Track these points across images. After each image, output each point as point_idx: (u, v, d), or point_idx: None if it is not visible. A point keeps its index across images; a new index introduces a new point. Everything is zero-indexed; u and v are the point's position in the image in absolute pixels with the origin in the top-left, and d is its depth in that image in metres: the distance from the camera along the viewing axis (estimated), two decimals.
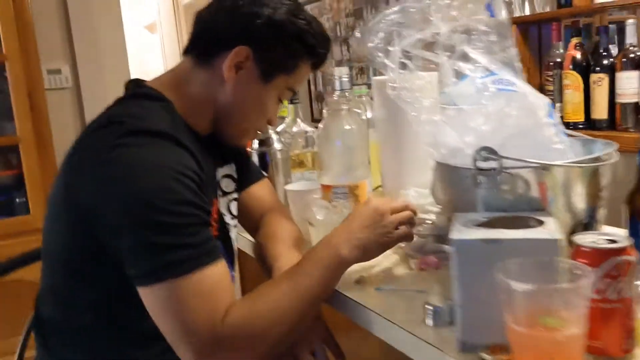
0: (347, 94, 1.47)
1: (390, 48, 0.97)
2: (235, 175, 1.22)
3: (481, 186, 0.85)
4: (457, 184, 0.89)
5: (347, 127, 1.19)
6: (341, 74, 1.47)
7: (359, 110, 1.30)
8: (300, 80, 1.10)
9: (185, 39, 1.11)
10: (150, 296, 0.86)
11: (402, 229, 1.01)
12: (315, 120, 3.42)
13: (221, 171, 1.18)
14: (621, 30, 2.00)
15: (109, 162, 0.87)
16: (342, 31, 3.29)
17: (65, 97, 3.31)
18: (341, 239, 0.95)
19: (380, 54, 0.98)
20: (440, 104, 0.98)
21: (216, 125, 1.09)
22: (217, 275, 0.87)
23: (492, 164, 0.82)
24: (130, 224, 0.85)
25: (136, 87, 1.06)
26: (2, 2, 2.79)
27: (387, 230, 0.98)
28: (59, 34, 3.27)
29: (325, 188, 1.21)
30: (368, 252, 0.98)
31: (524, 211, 0.84)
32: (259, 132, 1.16)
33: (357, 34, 0.99)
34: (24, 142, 2.88)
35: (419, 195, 1.22)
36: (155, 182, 0.85)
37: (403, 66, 0.97)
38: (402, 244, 1.14)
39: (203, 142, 1.06)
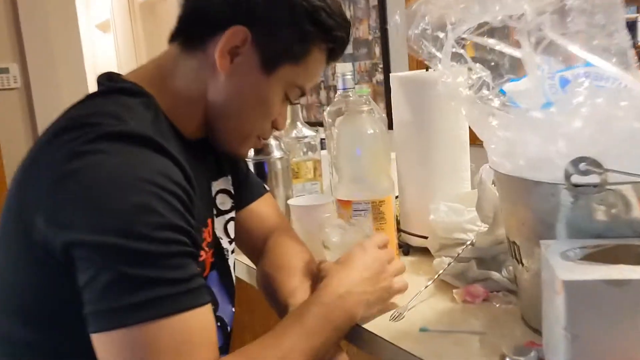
0: (350, 93, 1.29)
1: (441, 34, 0.78)
2: (232, 190, 1.02)
3: (573, 206, 0.68)
4: (537, 203, 0.71)
5: (370, 131, 1.00)
6: (345, 71, 1.29)
7: (377, 114, 1.11)
8: (312, 73, 0.89)
9: (141, 38, 0.89)
10: (106, 345, 0.65)
11: (399, 280, 0.91)
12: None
13: (216, 185, 0.97)
14: None
15: (71, 175, 0.67)
16: None
17: (13, 98, 3.02)
18: (354, 298, 0.82)
19: (427, 43, 0.80)
20: (495, 104, 0.80)
21: (209, 128, 0.89)
22: (199, 323, 0.68)
23: (593, 179, 0.65)
24: (97, 253, 0.65)
25: (110, 82, 0.84)
26: None
27: (388, 284, 0.88)
28: (7, 29, 2.97)
29: (344, 204, 1.02)
30: (372, 309, 0.87)
31: (625, 236, 0.67)
32: (262, 138, 0.94)
33: (397, 18, 0.80)
34: None
35: (452, 211, 1.05)
36: (130, 200, 0.66)
37: (457, 57, 0.79)
38: (440, 270, 0.97)
39: (193, 149, 0.87)
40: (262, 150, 1.21)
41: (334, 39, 0.87)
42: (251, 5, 0.81)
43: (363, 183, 1.01)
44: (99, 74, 0.86)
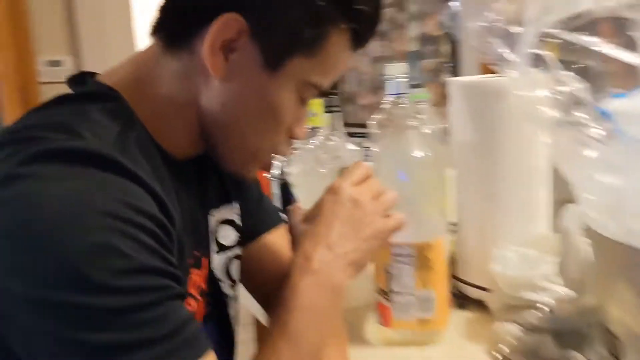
0: (401, 101, 1.06)
1: (516, 29, 0.55)
2: (238, 221, 0.81)
3: None
4: None
5: (420, 154, 0.77)
6: (398, 72, 1.06)
7: (429, 128, 0.88)
8: (332, 65, 0.66)
9: None
10: None
11: (393, 218, 0.73)
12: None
13: (217, 215, 0.77)
14: None
15: (1, 206, 0.51)
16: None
17: (66, 91, 2.95)
18: (329, 267, 0.68)
19: (495, 40, 0.56)
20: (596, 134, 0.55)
21: (208, 143, 0.69)
22: None
23: None
24: (43, 317, 0.49)
25: (77, 85, 0.67)
26: None
27: (377, 228, 0.71)
28: (61, 21, 2.90)
29: None
30: (362, 264, 0.71)
31: None
32: (276, 153, 0.73)
33: (455, 4, 0.58)
34: None
35: (522, 259, 0.80)
36: (82, 239, 0.49)
37: (538, 61, 0.55)
38: (501, 344, 0.73)
39: (182, 171, 0.68)
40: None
41: (356, 15, 0.64)
42: None
43: (406, 219, 0.79)
44: (70, 74, 0.68)
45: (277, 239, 0.86)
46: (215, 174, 0.77)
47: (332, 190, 0.71)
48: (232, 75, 0.63)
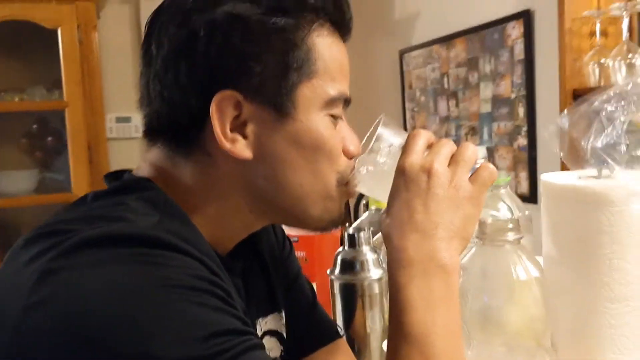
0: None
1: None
2: (283, 333, 0.72)
3: None
4: None
5: (523, 276, 0.65)
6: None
7: (517, 237, 0.75)
8: (335, 68, 0.61)
9: None
10: None
11: (480, 170, 0.62)
12: None
13: (263, 324, 0.69)
14: None
15: (38, 305, 0.47)
16: (451, 84, 2.77)
17: (134, 147, 2.98)
18: (428, 251, 0.58)
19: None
20: None
21: (274, 220, 0.69)
22: None
23: None
24: None
25: (116, 180, 0.63)
26: (68, 44, 2.50)
27: (465, 191, 0.60)
28: (132, 78, 2.96)
29: None
30: (466, 234, 0.60)
31: None
32: (347, 179, 0.65)
33: (564, 120, 0.48)
34: None
35: None
36: (154, 314, 0.47)
37: None
38: None
39: (230, 268, 0.63)
40: (352, 265, 0.89)
41: (320, 8, 0.60)
42: (211, 63, 0.57)
43: (498, 354, 0.66)
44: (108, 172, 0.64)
45: (334, 357, 0.75)
46: (263, 278, 0.69)
47: (398, 174, 0.61)
48: (259, 147, 0.59)
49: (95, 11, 2.57)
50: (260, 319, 0.68)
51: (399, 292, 0.57)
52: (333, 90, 0.61)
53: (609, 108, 0.48)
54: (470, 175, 0.61)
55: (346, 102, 0.63)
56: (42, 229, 0.53)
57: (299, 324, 0.74)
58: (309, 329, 0.76)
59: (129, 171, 0.64)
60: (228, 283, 0.54)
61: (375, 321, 0.88)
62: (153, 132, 0.62)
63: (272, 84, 0.58)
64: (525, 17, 2.29)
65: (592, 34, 1.96)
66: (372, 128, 0.64)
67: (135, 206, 0.55)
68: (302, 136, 0.60)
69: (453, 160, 0.60)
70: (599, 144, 0.48)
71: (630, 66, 1.83)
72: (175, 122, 0.59)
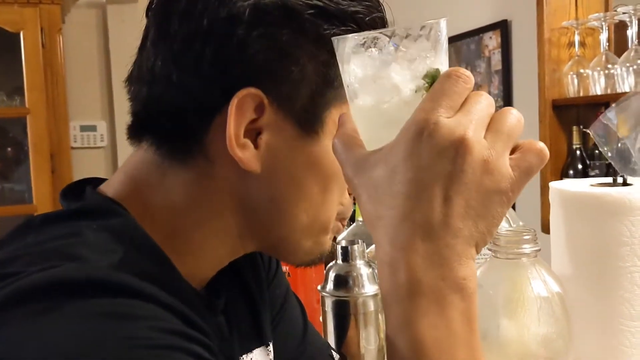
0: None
1: None
2: None
3: None
4: None
5: (543, 292, 0.59)
6: None
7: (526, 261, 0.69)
8: None
9: None
10: None
11: (525, 151, 0.42)
12: None
13: None
14: None
15: None
16: None
17: (99, 157, 2.86)
18: (444, 271, 0.40)
19: None
20: None
21: (259, 246, 0.57)
22: None
23: None
24: None
25: (70, 199, 0.52)
26: (31, 48, 2.39)
27: (502, 178, 0.40)
28: (99, 87, 2.85)
29: None
30: (487, 236, 0.42)
31: None
32: (344, 214, 0.59)
33: (611, 115, 0.42)
34: (40, 211, 2.41)
35: None
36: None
37: None
38: None
39: (209, 305, 0.55)
40: (345, 281, 0.82)
41: (364, 24, 0.50)
42: (245, 54, 0.48)
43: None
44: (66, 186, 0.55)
45: None
46: (247, 309, 0.62)
47: (418, 129, 0.40)
48: (270, 161, 0.50)
49: (60, 14, 2.46)
50: (244, 356, 0.61)
51: (403, 332, 0.41)
52: None
53: None
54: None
55: None
56: None
57: (289, 356, 0.67)
58: (303, 353, 0.68)
59: (94, 183, 0.54)
60: (208, 325, 0.46)
61: (370, 341, 0.81)
62: (144, 124, 0.52)
63: (306, 95, 0.50)
64: (503, 28, 2.28)
65: (571, 44, 1.96)
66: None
67: (94, 239, 0.45)
68: (322, 161, 0.52)
69: (491, 130, 0.41)
70: None
71: (609, 77, 1.82)
72: (180, 112, 0.49)
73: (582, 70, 1.89)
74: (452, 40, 2.53)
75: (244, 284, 0.63)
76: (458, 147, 0.39)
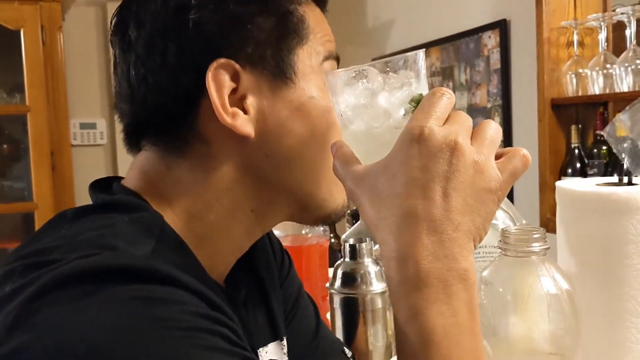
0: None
1: None
2: None
3: None
4: None
5: (553, 289, 0.61)
6: None
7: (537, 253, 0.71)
8: (324, 35, 0.58)
9: None
10: None
11: (511, 156, 0.48)
12: None
13: (263, 354, 0.63)
14: None
15: (13, 356, 0.40)
16: None
17: (99, 155, 2.87)
18: (447, 261, 0.45)
19: None
20: None
21: (279, 213, 0.59)
22: None
23: None
24: None
25: (100, 193, 0.55)
26: (31, 46, 2.39)
27: (491, 179, 0.46)
28: (99, 85, 2.85)
29: None
30: (481, 233, 0.47)
31: None
32: None
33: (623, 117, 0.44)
34: (41, 209, 2.41)
35: None
36: (151, 355, 0.40)
37: None
38: None
39: (229, 297, 0.57)
40: (353, 278, 0.83)
41: None
42: (204, 33, 0.52)
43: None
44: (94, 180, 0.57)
45: None
46: (262, 304, 0.63)
47: (414, 136, 0.45)
48: (262, 121, 0.54)
49: (61, 12, 2.47)
50: (260, 349, 0.62)
51: (413, 322, 0.44)
52: (325, 50, 0.57)
53: None
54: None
55: (337, 59, 0.59)
56: (15, 261, 0.46)
57: (302, 351, 0.68)
58: (313, 349, 0.70)
59: (119, 180, 0.57)
60: (233, 316, 0.48)
61: (378, 337, 0.82)
62: (138, 132, 0.55)
63: (271, 48, 0.54)
64: (502, 27, 2.29)
65: (570, 44, 1.97)
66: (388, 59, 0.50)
67: (127, 231, 0.48)
68: (307, 104, 0.55)
69: (476, 137, 0.46)
70: None
71: (607, 76, 1.84)
72: (165, 108, 0.53)
73: (580, 70, 1.91)
74: (451, 39, 2.54)
75: (259, 280, 0.65)
76: (452, 150, 0.45)
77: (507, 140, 2.33)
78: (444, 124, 0.46)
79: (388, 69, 0.49)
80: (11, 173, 2.63)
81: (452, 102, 0.47)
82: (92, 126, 2.83)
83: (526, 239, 0.61)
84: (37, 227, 2.40)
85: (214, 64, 0.51)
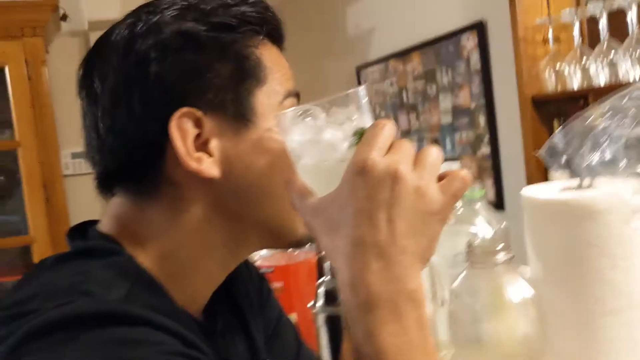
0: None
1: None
2: None
3: None
4: None
5: (517, 297, 0.63)
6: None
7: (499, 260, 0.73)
8: (282, 74, 0.60)
9: None
10: None
11: (451, 178, 0.50)
12: None
13: None
14: None
15: None
16: (410, 97, 2.78)
17: (92, 183, 2.88)
18: (397, 282, 0.47)
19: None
20: None
21: (256, 243, 0.62)
22: None
23: None
24: None
25: (76, 239, 0.59)
26: (17, 82, 2.41)
27: (433, 202, 0.48)
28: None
29: None
30: (428, 253, 0.50)
31: None
32: None
33: (558, 138, 0.46)
34: (38, 242, 2.43)
35: None
36: None
37: None
38: None
39: (206, 330, 0.60)
40: (336, 296, 0.85)
41: (259, 24, 0.59)
42: (166, 84, 0.55)
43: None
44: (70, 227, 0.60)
45: None
46: (242, 333, 0.66)
47: (358, 169, 0.48)
48: (226, 162, 0.56)
49: (44, 46, 2.49)
50: None
51: (367, 342, 0.46)
52: (284, 90, 0.59)
53: (604, 124, 0.46)
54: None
55: (297, 96, 0.62)
56: (13, 305, 0.49)
57: None
58: None
59: (95, 224, 0.59)
60: (207, 351, 0.51)
61: None
62: (110, 179, 0.58)
63: (230, 93, 0.56)
64: (479, 28, 2.32)
65: (546, 40, 2.00)
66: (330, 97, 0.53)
67: (101, 276, 0.51)
68: (268, 142, 0.57)
69: (417, 164, 0.48)
70: (595, 162, 0.46)
71: (585, 70, 1.86)
72: (134, 156, 0.55)
73: (558, 66, 1.93)
74: (431, 43, 2.57)
75: (237, 309, 0.67)
76: (394, 178, 0.47)
77: (493, 139, 2.35)
78: (386, 153, 0.48)
79: (332, 106, 0.51)
80: (5, 208, 2.65)
81: (393, 132, 0.49)
82: (84, 155, 2.84)
83: (491, 252, 0.63)
84: (35, 260, 2.42)
85: (177, 114, 0.54)
